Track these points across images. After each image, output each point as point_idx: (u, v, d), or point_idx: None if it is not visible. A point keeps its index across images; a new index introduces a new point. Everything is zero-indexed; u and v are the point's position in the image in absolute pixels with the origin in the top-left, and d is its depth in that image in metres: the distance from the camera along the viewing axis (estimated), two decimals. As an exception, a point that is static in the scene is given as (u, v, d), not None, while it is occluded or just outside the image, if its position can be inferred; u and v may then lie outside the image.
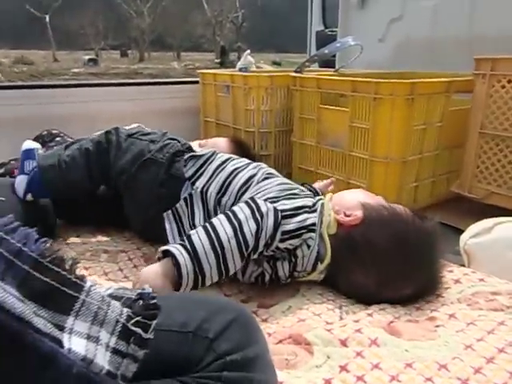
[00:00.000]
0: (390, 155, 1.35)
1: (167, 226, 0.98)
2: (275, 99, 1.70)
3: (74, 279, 0.45)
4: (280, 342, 0.71)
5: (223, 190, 0.97)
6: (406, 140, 1.36)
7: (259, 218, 0.80)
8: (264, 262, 0.87)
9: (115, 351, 0.45)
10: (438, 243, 0.86)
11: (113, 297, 0.51)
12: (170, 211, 0.98)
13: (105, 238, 1.17)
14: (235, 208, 0.83)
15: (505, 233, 0.96)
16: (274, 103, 1.69)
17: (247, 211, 0.81)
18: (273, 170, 1.06)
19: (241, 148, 1.41)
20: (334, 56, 2.18)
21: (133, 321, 0.47)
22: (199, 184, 0.99)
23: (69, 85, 2.03)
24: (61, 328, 0.42)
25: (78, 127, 1.57)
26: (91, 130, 1.08)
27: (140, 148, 1.05)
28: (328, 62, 2.21)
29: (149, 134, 1.11)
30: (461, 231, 1.08)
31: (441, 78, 1.45)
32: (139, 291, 0.53)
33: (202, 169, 1.02)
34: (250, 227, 0.79)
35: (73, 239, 1.15)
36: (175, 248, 0.77)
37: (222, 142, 1.43)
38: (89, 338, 0.44)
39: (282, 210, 0.84)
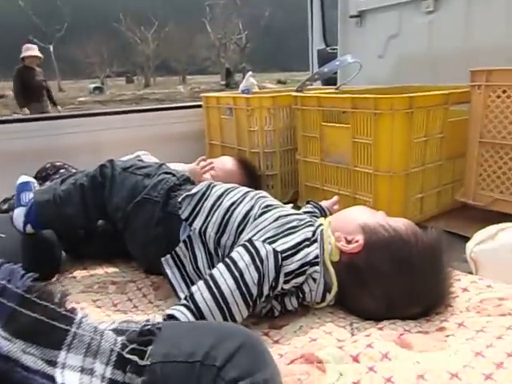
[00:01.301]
0: (393, 169, 1.38)
1: (168, 271, 0.95)
2: (278, 119, 1.74)
3: (64, 312, 0.45)
4: (292, 362, 0.71)
5: (221, 229, 0.93)
6: (407, 153, 1.38)
7: (260, 265, 0.79)
8: (272, 299, 0.86)
9: (112, 381, 0.45)
10: (442, 254, 0.85)
11: (117, 331, 0.51)
12: (169, 256, 0.96)
13: (112, 269, 1.15)
14: (234, 255, 0.81)
15: (508, 238, 0.98)
16: (277, 123, 1.73)
17: (247, 258, 0.79)
18: (270, 200, 1.01)
19: (246, 167, 1.44)
20: (336, 73, 2.22)
21: (128, 349, 0.47)
22: (196, 225, 0.96)
23: (73, 115, 2.06)
24: (53, 363, 0.42)
25: (83, 157, 1.56)
26: (97, 159, 1.08)
27: (134, 184, 1.03)
28: (331, 80, 2.25)
29: (144, 167, 1.08)
30: (468, 239, 1.09)
31: (439, 90, 1.48)
32: (144, 323, 0.53)
33: (198, 207, 0.98)
34: (251, 275, 0.78)
35: (79, 272, 1.14)
36: (179, 312, 0.75)
37: (228, 161, 1.47)
38: (83, 370, 0.43)
39: (282, 251, 0.82)
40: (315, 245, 0.86)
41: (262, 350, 0.55)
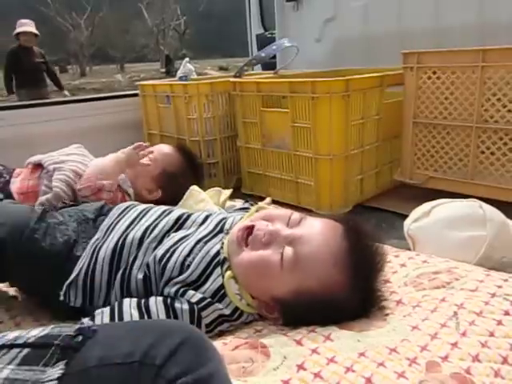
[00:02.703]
0: (332, 151, 1.40)
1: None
2: (217, 106, 1.71)
3: None
4: (236, 348, 0.71)
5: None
6: (346, 135, 1.40)
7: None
8: None
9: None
10: (369, 250, 0.76)
11: (49, 336, 0.49)
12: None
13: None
14: (150, 303, 0.74)
15: (441, 214, 1.02)
16: (216, 110, 1.70)
17: (162, 311, 0.73)
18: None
19: (187, 156, 1.40)
20: (275, 58, 2.21)
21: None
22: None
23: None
24: None
25: (15, 153, 1.44)
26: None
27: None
28: (270, 65, 2.25)
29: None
30: (406, 217, 1.13)
31: (374, 73, 1.51)
32: (78, 326, 0.51)
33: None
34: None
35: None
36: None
37: (166, 148, 1.41)
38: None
39: (197, 302, 0.74)
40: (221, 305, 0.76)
41: (206, 344, 0.53)
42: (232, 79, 1.68)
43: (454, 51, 1.32)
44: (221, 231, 0.83)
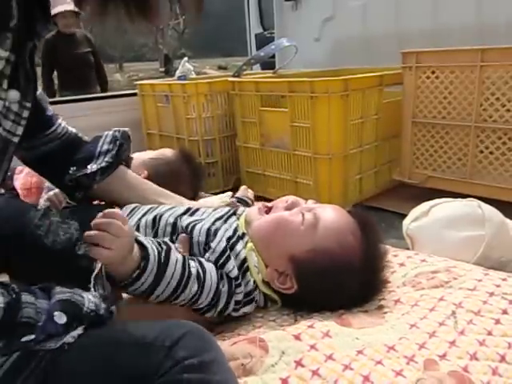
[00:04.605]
0: (331, 151, 1.40)
1: None
2: (216, 105, 1.71)
3: None
4: (235, 343, 0.71)
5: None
6: (345, 135, 1.41)
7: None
8: None
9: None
10: (377, 238, 0.80)
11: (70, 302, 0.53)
12: None
13: None
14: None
15: (439, 214, 1.02)
16: (214, 109, 1.70)
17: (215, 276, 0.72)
18: None
19: (188, 163, 1.38)
20: (274, 57, 2.21)
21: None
22: None
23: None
24: None
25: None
26: None
27: None
28: (270, 64, 2.25)
29: None
30: (405, 216, 1.13)
31: (373, 73, 1.52)
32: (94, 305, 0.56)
33: None
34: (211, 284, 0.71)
35: None
36: (152, 249, 0.67)
37: (170, 156, 1.39)
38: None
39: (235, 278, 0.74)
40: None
41: (207, 336, 0.57)
42: (231, 79, 1.68)
43: (453, 51, 1.32)
44: (234, 214, 0.84)
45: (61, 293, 0.54)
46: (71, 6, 2.83)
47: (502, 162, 1.29)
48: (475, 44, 1.36)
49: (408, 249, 1.06)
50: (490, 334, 0.68)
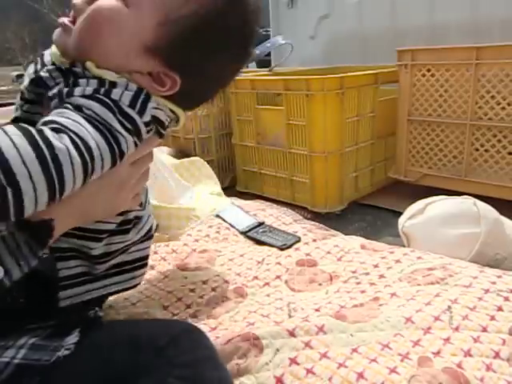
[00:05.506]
0: (327, 149, 1.39)
1: None
2: (212, 103, 1.70)
3: None
4: (229, 341, 0.71)
5: None
6: (340, 133, 1.40)
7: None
8: None
9: None
10: None
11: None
12: None
13: None
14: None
15: (435, 211, 1.02)
16: (210, 107, 1.69)
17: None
18: None
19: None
20: (270, 55, 2.21)
21: None
22: None
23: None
24: None
25: None
26: None
27: None
28: (266, 62, 2.24)
29: None
30: (401, 214, 1.13)
31: (368, 70, 1.51)
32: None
33: None
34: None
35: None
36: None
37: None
38: None
39: None
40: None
41: (202, 335, 0.58)
42: (226, 77, 1.68)
43: (448, 48, 1.32)
44: None
45: None
46: None
47: (497, 160, 1.29)
48: (471, 42, 1.36)
49: (404, 246, 1.06)
50: (484, 330, 0.68)
